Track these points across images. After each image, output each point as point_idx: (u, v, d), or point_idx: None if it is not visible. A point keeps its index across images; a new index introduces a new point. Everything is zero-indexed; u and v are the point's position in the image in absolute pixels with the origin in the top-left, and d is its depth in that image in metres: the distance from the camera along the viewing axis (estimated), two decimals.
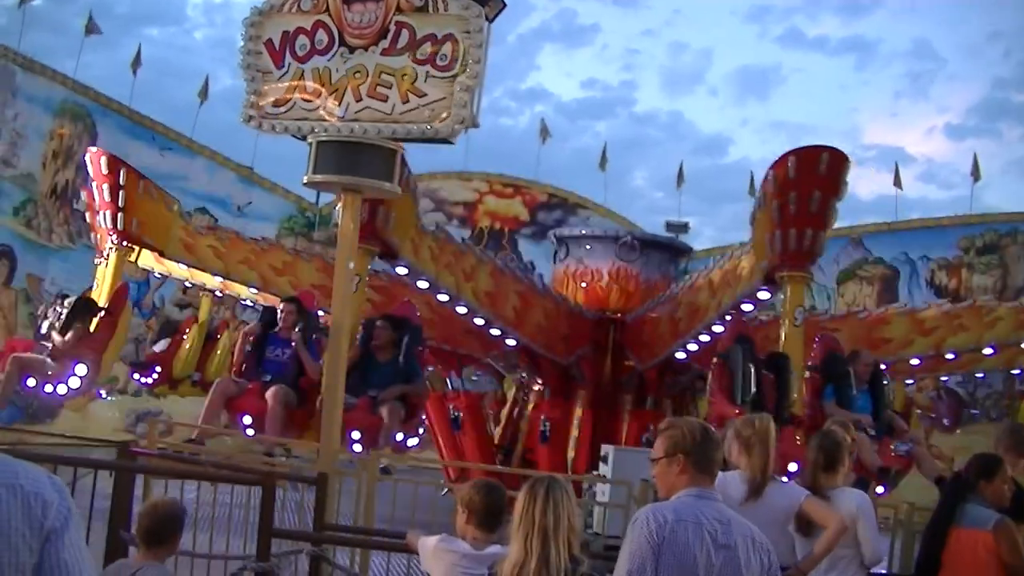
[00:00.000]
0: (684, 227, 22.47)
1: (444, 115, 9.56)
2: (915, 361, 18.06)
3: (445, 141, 9.94)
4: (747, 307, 14.53)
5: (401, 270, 14.91)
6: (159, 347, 17.55)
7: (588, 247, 19.45)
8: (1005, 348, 17.84)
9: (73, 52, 28.26)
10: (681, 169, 34.73)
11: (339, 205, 10.79)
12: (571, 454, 17.70)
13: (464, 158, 31.42)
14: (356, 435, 12.30)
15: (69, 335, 14.10)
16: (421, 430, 14.36)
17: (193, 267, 16.99)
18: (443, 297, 15.29)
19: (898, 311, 19.03)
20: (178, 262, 16.91)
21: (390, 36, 9.97)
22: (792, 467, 10.37)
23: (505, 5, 10.08)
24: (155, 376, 17.05)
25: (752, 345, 12.76)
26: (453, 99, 9.54)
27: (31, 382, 13.94)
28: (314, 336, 13.85)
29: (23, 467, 3.97)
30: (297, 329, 13.52)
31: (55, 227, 26.40)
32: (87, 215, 18.65)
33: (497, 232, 34.65)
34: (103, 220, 15.76)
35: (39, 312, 16.90)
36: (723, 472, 7.45)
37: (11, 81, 24.67)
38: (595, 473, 14.43)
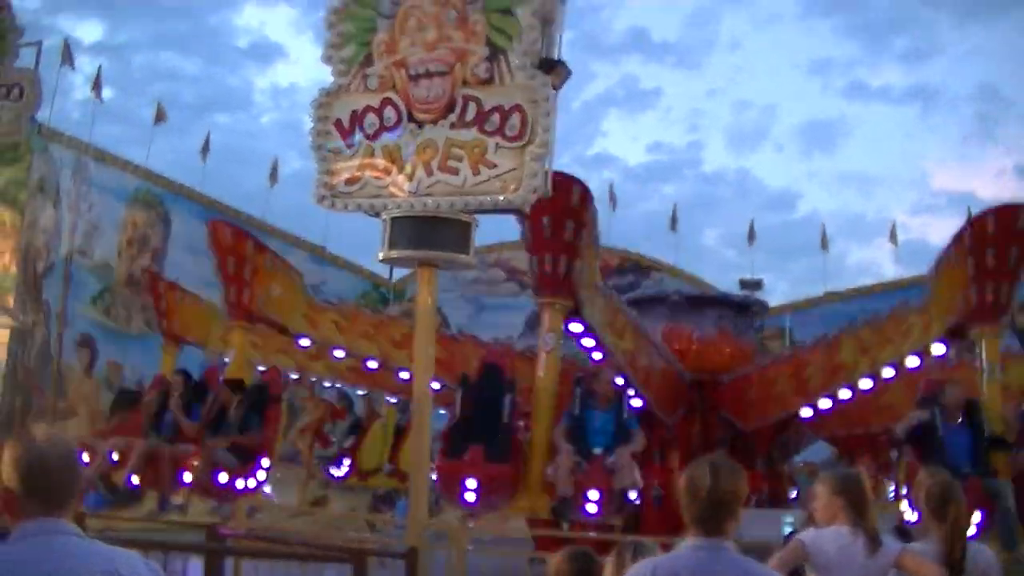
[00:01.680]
0: (758, 284, 22.28)
1: (515, 185, 9.61)
2: None
3: (518, 211, 9.99)
4: (912, 361, 14.49)
5: (575, 327, 14.68)
6: (348, 443, 18.90)
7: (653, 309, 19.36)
8: None
9: (144, 142, 28.74)
10: (752, 226, 34.59)
11: (416, 280, 10.85)
12: None
13: None
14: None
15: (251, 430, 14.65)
16: None
17: (315, 342, 17.21)
18: (597, 355, 15.11)
19: None
20: (301, 337, 17.07)
21: (458, 109, 10.05)
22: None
23: (570, 73, 10.15)
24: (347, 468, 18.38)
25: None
26: (524, 169, 9.58)
27: (223, 477, 14.21)
28: None
29: (119, 553, 4.02)
30: None
31: (133, 314, 26.69)
32: (154, 300, 19.12)
33: None
34: (227, 296, 15.96)
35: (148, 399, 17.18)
36: (816, 529, 7.38)
37: (85, 172, 25.07)
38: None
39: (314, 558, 9.80)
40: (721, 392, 18.07)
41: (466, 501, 12.49)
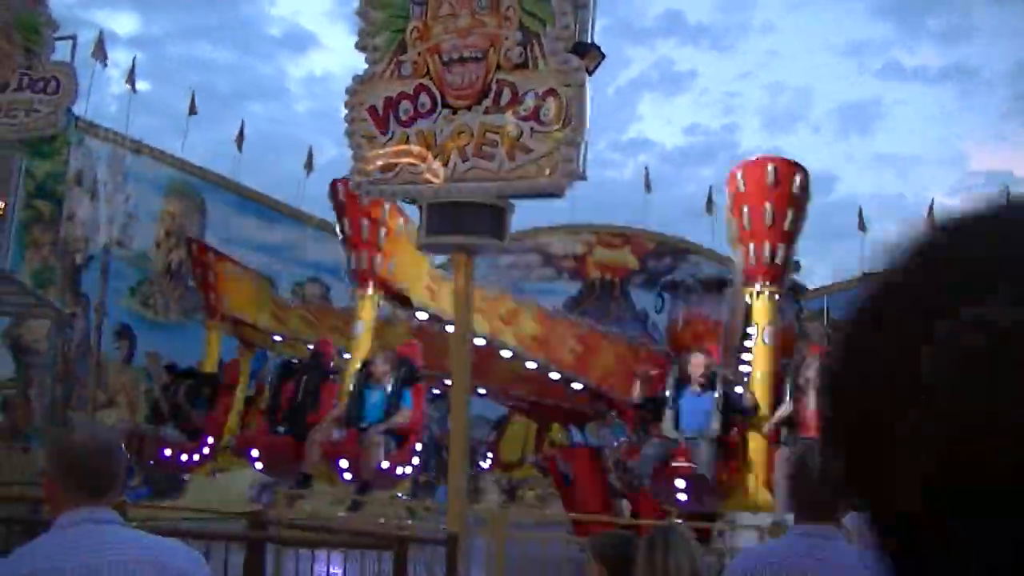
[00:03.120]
0: (796, 266, 22.16)
1: (551, 170, 9.58)
2: None
3: (553, 196, 9.96)
4: None
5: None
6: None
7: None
8: None
9: (180, 133, 28.86)
10: None
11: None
12: None
13: (571, 211, 31.45)
14: None
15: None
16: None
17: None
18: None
19: None
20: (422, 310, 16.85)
21: (492, 95, 10.01)
22: None
23: (604, 56, 10.10)
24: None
25: None
26: (559, 153, 9.54)
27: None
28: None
29: (162, 542, 4.05)
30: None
31: (171, 304, 26.84)
32: (202, 273, 19.33)
33: (608, 283, 34.56)
34: (356, 262, 16.35)
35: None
36: None
37: (121, 165, 25.20)
38: (725, 520, 14.28)
39: (356, 546, 9.83)
40: None
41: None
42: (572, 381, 16.82)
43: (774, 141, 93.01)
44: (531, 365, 16.18)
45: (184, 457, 15.46)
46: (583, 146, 9.67)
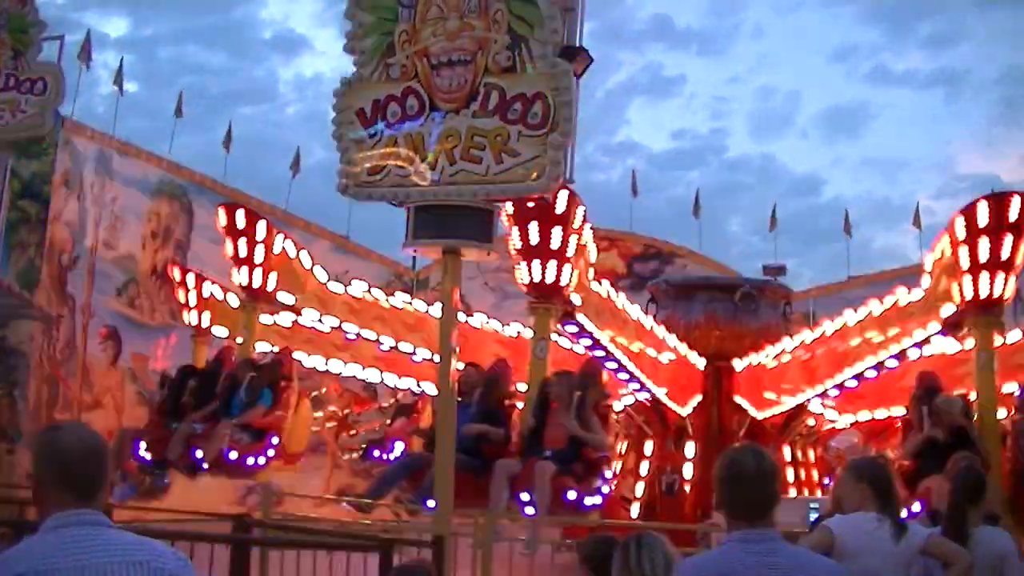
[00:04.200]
0: (781, 269, 22.19)
1: (538, 173, 9.60)
2: None
3: (540, 199, 9.98)
4: (914, 353, 14.53)
5: (570, 328, 14.91)
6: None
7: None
8: None
9: (168, 135, 28.84)
10: (774, 211, 34.47)
11: (438, 269, 10.90)
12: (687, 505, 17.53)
13: None
14: None
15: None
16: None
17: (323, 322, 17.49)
18: (599, 353, 15.22)
19: None
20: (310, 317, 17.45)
21: (480, 98, 10.03)
22: None
23: (592, 60, 10.16)
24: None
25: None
26: (547, 157, 9.56)
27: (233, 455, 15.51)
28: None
29: (147, 544, 4.06)
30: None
31: (156, 306, 26.77)
32: (180, 292, 19.46)
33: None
34: (237, 277, 16.52)
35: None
36: (841, 516, 7.39)
37: (108, 165, 25.16)
38: (709, 522, 14.30)
39: (342, 547, 9.84)
40: (736, 379, 18.07)
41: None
42: (643, 391, 16.90)
43: (762, 145, 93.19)
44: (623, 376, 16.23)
45: (251, 461, 15.77)
46: (570, 149, 9.71)
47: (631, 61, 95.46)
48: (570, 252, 14.03)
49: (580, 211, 13.94)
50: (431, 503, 10.83)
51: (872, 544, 6.80)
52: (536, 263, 14.19)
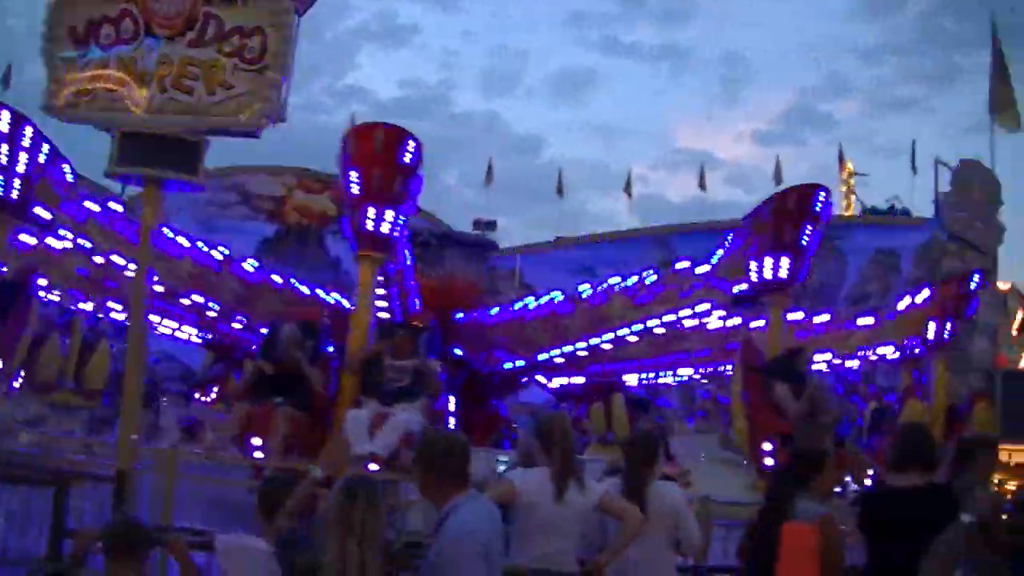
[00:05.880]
0: (491, 225, 22.55)
1: (250, 109, 9.43)
2: None
3: (250, 135, 9.80)
4: (690, 323, 15.07)
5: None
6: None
7: None
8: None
9: None
10: (490, 167, 34.91)
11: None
12: None
13: (278, 153, 31.20)
14: None
15: None
16: None
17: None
18: None
19: None
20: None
21: (197, 27, 9.77)
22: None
23: None
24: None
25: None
26: (260, 93, 9.42)
27: None
28: None
29: None
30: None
31: None
32: None
33: (305, 228, 34.28)
34: None
35: None
36: (524, 469, 7.54)
37: None
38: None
39: (11, 480, 9.53)
40: (456, 332, 18.12)
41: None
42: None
43: (488, 102, 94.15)
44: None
45: None
46: (286, 87, 9.56)
47: (364, 6, 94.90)
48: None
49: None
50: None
51: (547, 498, 6.96)
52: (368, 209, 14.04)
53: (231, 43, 9.62)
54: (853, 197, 42.48)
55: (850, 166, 43.04)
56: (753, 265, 14.63)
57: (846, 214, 40.21)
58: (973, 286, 19.55)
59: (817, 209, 14.49)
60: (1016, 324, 33.98)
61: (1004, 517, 6.80)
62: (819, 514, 7.14)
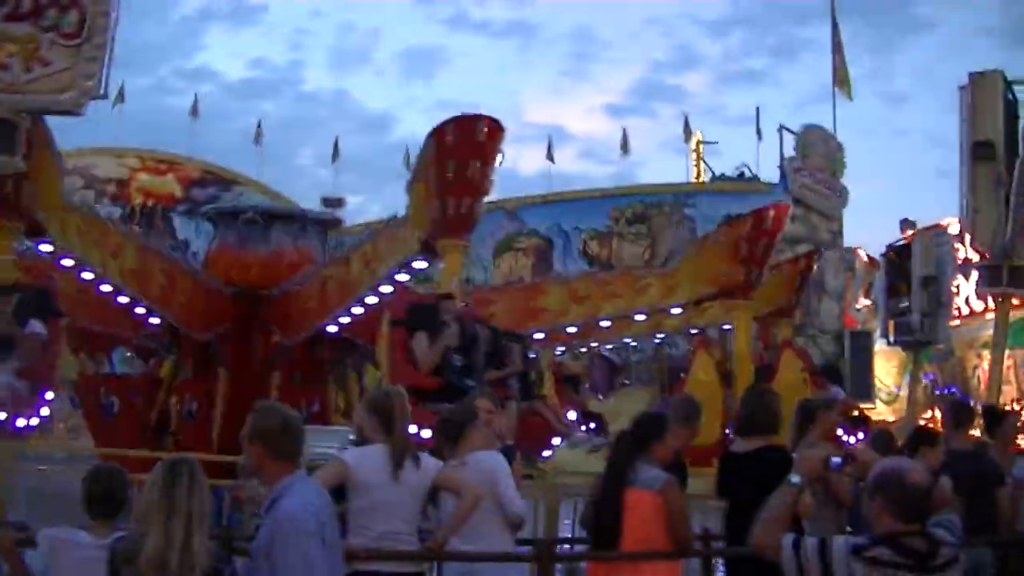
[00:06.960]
0: (340, 202, 22.35)
1: (69, 86, 9.14)
2: (572, 329, 19.57)
3: (71, 113, 9.49)
4: (402, 277, 14.42)
5: (45, 247, 13.99)
6: None
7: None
8: (654, 313, 19.38)
9: None
10: (336, 145, 34.77)
11: None
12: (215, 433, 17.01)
13: (120, 135, 30.62)
14: None
15: None
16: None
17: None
18: (88, 275, 14.54)
19: (553, 280, 20.04)
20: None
21: (12, 1, 9.44)
22: None
23: None
24: None
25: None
26: (78, 69, 9.13)
27: None
28: None
29: None
30: None
31: None
32: None
33: (151, 209, 33.87)
34: None
35: None
36: (356, 448, 7.39)
37: None
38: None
39: None
40: (268, 307, 17.71)
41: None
42: (153, 316, 16.31)
43: (339, 81, 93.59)
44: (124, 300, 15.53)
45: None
46: (106, 63, 9.27)
47: None
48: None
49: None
50: None
51: (384, 477, 6.82)
52: None
53: (49, 17, 9.31)
54: (703, 165, 42.87)
55: (699, 135, 43.38)
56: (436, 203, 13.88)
57: (695, 181, 40.66)
58: (768, 225, 18.36)
59: (480, 140, 13.76)
60: (863, 289, 34.55)
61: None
62: (661, 479, 7.10)
